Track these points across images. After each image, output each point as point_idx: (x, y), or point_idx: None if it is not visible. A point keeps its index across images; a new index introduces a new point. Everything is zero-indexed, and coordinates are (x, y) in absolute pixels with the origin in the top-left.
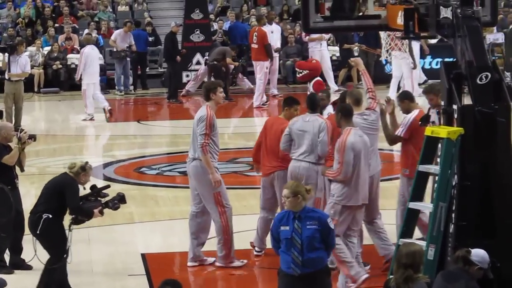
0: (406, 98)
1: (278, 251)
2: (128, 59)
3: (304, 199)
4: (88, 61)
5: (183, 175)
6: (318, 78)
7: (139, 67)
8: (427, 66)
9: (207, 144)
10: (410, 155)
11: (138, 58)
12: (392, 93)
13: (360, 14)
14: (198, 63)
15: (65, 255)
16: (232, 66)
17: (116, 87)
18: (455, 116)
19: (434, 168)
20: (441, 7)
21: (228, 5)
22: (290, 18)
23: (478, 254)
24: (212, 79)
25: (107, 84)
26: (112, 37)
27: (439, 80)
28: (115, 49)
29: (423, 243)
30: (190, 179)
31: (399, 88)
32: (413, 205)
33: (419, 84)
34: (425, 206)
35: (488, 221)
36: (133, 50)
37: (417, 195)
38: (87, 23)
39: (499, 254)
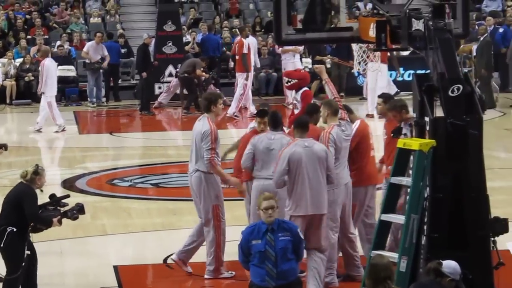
0: (345, 111)
1: (247, 265)
2: (101, 71)
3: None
4: (49, 74)
5: (156, 187)
6: (306, 88)
7: (111, 79)
8: (399, 78)
9: (214, 157)
10: (354, 165)
11: (111, 70)
12: (372, 106)
13: (332, 26)
14: (170, 75)
15: (23, 264)
16: (203, 78)
17: (89, 99)
18: (427, 128)
19: (406, 180)
20: (413, 19)
21: (200, 17)
22: (263, 30)
23: (450, 265)
24: (185, 91)
25: (79, 96)
26: (85, 49)
27: (411, 93)
28: (88, 61)
29: (395, 255)
30: (193, 191)
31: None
32: (385, 217)
33: None
34: (397, 218)
35: (460, 233)
36: (105, 64)
37: (389, 207)
38: (59, 35)
39: (471, 266)
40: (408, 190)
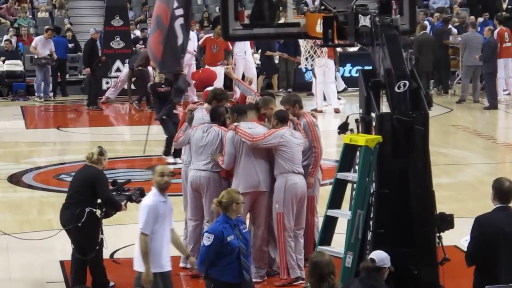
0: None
1: (205, 268)
2: (49, 66)
3: None
4: None
5: None
6: (208, 88)
7: (58, 74)
8: (346, 74)
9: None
10: None
11: (58, 65)
12: (320, 102)
13: (280, 22)
14: (118, 70)
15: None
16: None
17: (36, 93)
18: (373, 124)
19: (352, 176)
20: (360, 15)
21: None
22: (210, 25)
23: (380, 257)
24: (132, 86)
25: (26, 91)
26: (33, 44)
27: (358, 88)
28: (36, 56)
29: (341, 251)
30: (196, 189)
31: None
32: (331, 212)
33: (338, 92)
34: (343, 214)
35: (405, 229)
36: (54, 57)
37: (335, 202)
38: (7, 29)
39: (416, 262)
40: (354, 185)
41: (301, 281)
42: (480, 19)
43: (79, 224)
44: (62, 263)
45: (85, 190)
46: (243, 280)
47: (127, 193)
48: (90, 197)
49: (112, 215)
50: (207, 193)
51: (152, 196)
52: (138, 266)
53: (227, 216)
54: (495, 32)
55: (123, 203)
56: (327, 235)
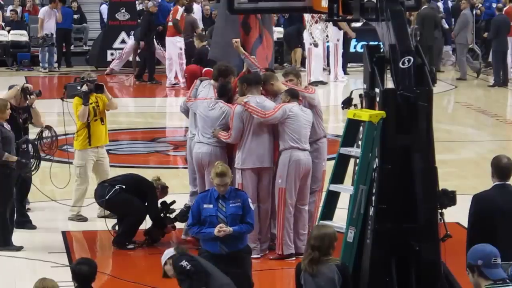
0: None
1: (192, 230)
2: (50, 43)
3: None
4: None
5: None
6: (207, 68)
7: (63, 44)
8: (351, 49)
9: None
10: None
11: (63, 36)
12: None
13: None
14: (123, 41)
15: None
16: None
17: (41, 64)
18: (377, 99)
19: (355, 151)
20: None
21: None
22: None
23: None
24: (137, 58)
25: (31, 61)
26: (40, 15)
27: (362, 64)
28: (38, 35)
29: (343, 226)
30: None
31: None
32: (333, 187)
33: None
34: (345, 189)
35: (408, 205)
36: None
37: (338, 177)
38: None
39: (418, 238)
40: (357, 160)
41: (294, 258)
42: None
43: (106, 197)
44: (64, 233)
45: (133, 183)
46: (220, 251)
47: (172, 215)
48: (133, 190)
49: (159, 240)
50: (209, 168)
51: None
52: None
53: (214, 188)
54: (504, 9)
55: (169, 226)
56: (329, 210)
